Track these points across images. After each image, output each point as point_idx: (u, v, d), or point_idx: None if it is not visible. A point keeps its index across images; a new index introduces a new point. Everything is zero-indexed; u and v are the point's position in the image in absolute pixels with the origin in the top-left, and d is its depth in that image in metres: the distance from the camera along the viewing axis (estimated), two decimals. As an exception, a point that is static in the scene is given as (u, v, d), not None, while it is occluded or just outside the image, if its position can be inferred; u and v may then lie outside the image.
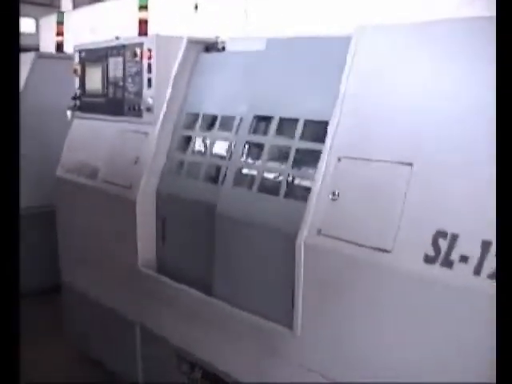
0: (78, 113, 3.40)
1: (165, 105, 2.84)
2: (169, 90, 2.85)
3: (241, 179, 2.45)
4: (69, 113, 3.42)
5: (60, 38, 4.21)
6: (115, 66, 3.05)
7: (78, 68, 3.36)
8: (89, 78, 3.28)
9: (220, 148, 2.68)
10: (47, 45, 6.00)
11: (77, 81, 3.39)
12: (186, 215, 2.73)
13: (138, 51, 2.87)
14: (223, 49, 2.94)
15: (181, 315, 2.66)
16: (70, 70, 3.43)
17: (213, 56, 2.89)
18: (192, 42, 2.88)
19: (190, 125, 2.84)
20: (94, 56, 3.21)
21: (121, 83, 3.03)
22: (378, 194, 1.94)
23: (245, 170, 2.46)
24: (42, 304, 4.04)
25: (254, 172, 2.42)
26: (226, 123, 2.68)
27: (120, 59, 3.02)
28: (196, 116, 2.81)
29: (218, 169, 2.63)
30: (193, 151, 2.77)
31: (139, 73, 2.89)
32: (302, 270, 2.08)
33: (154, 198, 2.86)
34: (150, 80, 2.83)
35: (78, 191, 3.24)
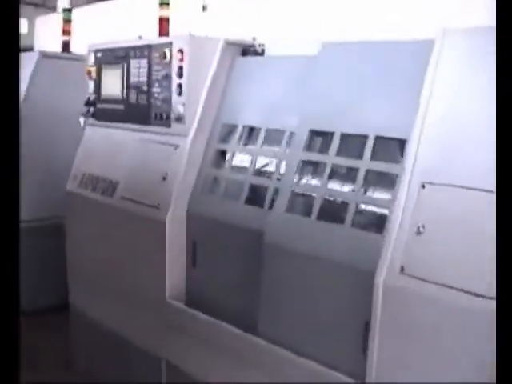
0: (91, 120, 3.05)
1: (198, 114, 2.51)
2: (202, 98, 2.52)
3: (294, 203, 2.14)
4: (81, 120, 3.07)
5: (67, 38, 3.84)
6: (138, 68, 2.71)
7: (93, 70, 3.01)
8: (106, 81, 2.94)
9: (264, 166, 2.36)
10: (43, 45, 5.60)
11: (91, 84, 3.04)
12: (221, 240, 2.41)
13: (168, 52, 2.54)
14: (262, 52, 2.63)
15: (218, 355, 2.33)
16: (82, 72, 3.08)
17: (252, 60, 2.57)
18: (229, 44, 2.56)
19: (227, 138, 2.52)
20: (113, 57, 2.87)
21: (145, 88, 2.69)
22: (473, 229, 1.64)
23: (299, 193, 2.15)
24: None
25: (311, 195, 2.11)
26: (271, 137, 2.36)
27: (144, 61, 2.68)
28: (234, 128, 2.49)
29: (262, 190, 2.31)
30: (231, 168, 2.44)
31: (168, 77, 2.56)
32: (380, 313, 1.77)
33: (184, 220, 2.53)
34: (180, 85, 2.50)
35: (93, 208, 2.89)
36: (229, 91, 2.56)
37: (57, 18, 5.10)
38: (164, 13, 3.13)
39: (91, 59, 3.03)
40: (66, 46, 3.91)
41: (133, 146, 2.76)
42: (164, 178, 2.53)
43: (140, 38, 2.79)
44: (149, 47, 2.65)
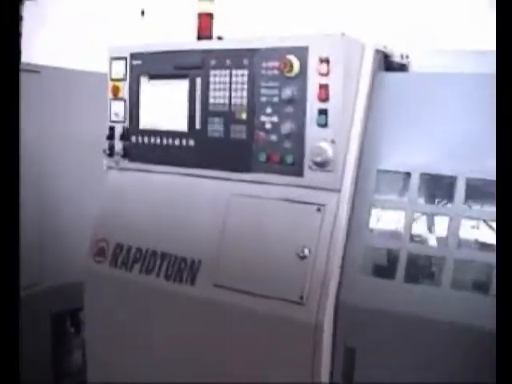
0: (122, 161, 2.00)
1: (352, 157, 1.67)
2: (356, 132, 1.68)
3: None
4: (104, 161, 2.00)
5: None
6: (228, 84, 1.77)
7: (121, 86, 1.97)
8: (153, 103, 1.93)
9: (472, 234, 1.62)
10: None
11: (118, 107, 1.99)
12: (408, 343, 1.60)
13: (295, 62, 1.66)
14: (407, 66, 1.89)
15: None
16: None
17: (411, 78, 1.80)
18: (378, 53, 1.76)
19: (387, 190, 1.72)
20: (170, 66, 1.87)
21: (243, 115, 1.76)
22: None
23: None
24: None
25: None
26: (472, 190, 1.63)
27: (243, 74, 1.75)
28: (401, 176, 1.69)
29: (481, 268, 1.57)
30: (410, 237, 1.64)
31: (297, 99, 1.67)
32: None
33: (332, 316, 1.66)
34: (325, 113, 1.64)
35: (154, 303, 1.85)
36: (376, 122, 1.76)
37: None
38: (205, 7, 2.21)
39: (118, 70, 1.98)
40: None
41: (223, 205, 1.79)
42: (303, 257, 1.64)
43: (220, 38, 1.86)
44: (251, 52, 1.74)
